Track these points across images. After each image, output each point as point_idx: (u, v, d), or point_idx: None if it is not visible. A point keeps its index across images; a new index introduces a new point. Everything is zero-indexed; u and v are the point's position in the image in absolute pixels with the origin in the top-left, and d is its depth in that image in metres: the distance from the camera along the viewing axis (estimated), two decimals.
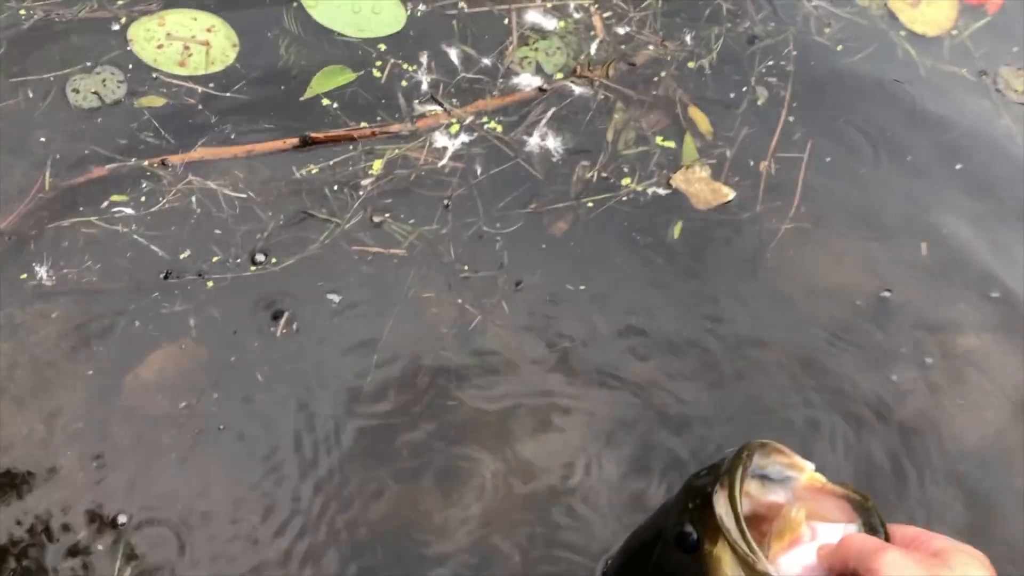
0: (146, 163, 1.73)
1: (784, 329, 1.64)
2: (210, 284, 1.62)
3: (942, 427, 1.56)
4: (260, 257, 1.65)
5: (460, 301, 1.63)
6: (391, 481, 1.48)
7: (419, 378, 1.56)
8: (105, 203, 1.69)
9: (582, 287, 1.66)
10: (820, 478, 1.12)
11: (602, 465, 1.52)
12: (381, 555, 1.43)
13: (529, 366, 1.59)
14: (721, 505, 1.13)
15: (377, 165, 1.76)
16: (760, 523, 1.14)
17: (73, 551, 1.41)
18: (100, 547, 1.42)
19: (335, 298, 1.63)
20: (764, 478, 1.14)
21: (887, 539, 0.99)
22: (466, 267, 1.67)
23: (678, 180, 1.79)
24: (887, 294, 1.68)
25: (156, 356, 1.57)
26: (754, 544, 1.08)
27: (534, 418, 1.55)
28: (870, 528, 1.03)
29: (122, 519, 1.44)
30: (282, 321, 1.59)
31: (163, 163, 1.73)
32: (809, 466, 1.13)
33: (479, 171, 1.77)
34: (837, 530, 1.05)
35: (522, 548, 1.45)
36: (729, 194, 1.80)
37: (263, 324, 1.60)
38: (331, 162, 1.77)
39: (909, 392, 1.59)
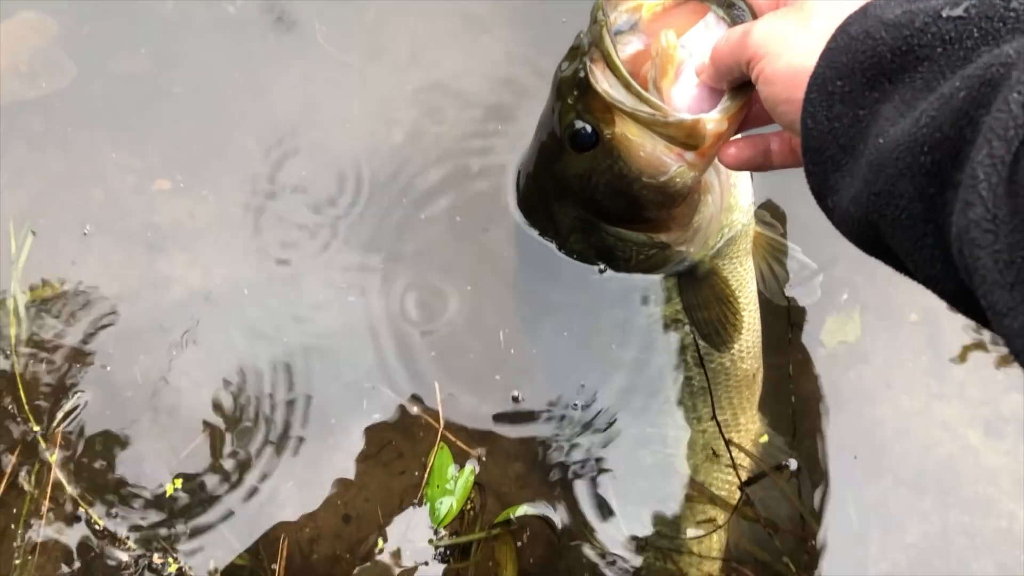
0: None
1: None
2: None
3: None
4: None
5: None
6: None
7: None
8: None
9: None
10: (657, 0, 1.04)
11: None
12: None
13: None
14: (602, 81, 1.05)
15: None
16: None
17: None
18: None
19: None
20: (614, 35, 1.05)
21: (749, 8, 0.94)
22: None
23: None
24: None
25: None
26: (655, 100, 1.00)
27: None
28: (727, 6, 0.97)
29: None
30: None
31: None
32: None
33: None
34: (702, 32, 0.99)
35: None
36: None
37: None
38: None
39: None
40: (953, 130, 0.62)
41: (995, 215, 0.57)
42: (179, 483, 1.49)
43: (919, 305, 1.49)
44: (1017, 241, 0.56)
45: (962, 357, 1.49)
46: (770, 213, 1.42)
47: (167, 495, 1.49)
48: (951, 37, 0.66)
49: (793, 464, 1.44)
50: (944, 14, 0.67)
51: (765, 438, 1.45)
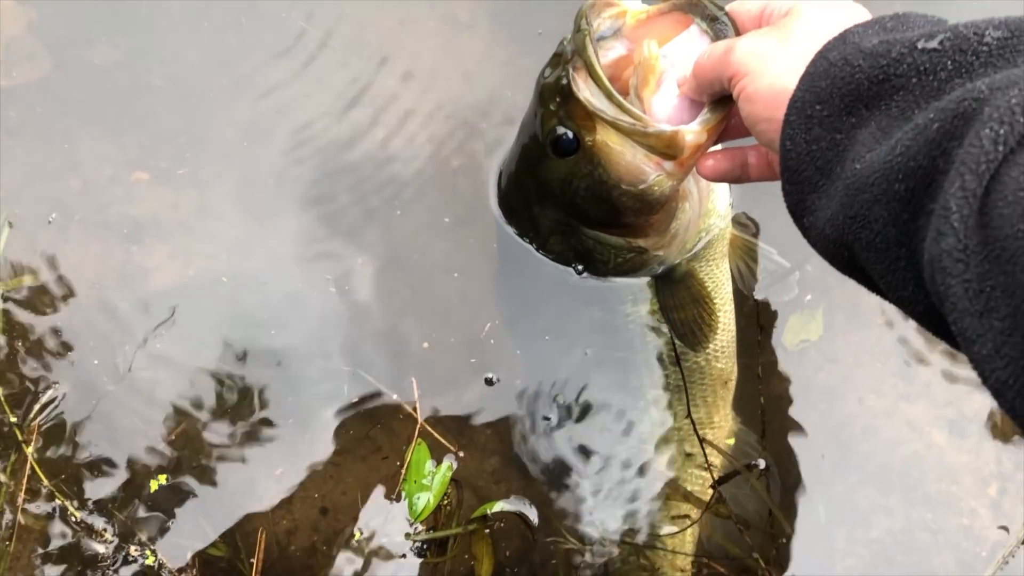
0: None
1: None
2: None
3: None
4: None
5: None
6: None
7: None
8: None
9: None
10: (642, 8, 1.06)
11: None
12: None
13: None
14: (584, 89, 1.06)
15: None
16: (614, 86, 1.06)
17: None
18: None
19: None
20: (598, 41, 1.07)
21: (732, 23, 0.95)
22: None
23: None
24: None
25: None
26: (636, 110, 1.02)
27: None
28: (711, 19, 0.98)
29: None
30: None
31: None
32: (631, 4, 1.07)
33: None
34: (684, 43, 1.01)
35: None
36: None
37: None
38: None
39: None
40: (927, 160, 0.64)
41: (966, 245, 0.59)
42: (163, 479, 1.50)
43: (888, 308, 1.53)
44: (987, 271, 0.58)
45: (928, 359, 1.53)
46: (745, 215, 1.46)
47: (151, 491, 1.50)
48: (926, 68, 0.68)
49: (763, 463, 1.48)
50: (920, 46, 0.69)
51: (732, 441, 1.48)
